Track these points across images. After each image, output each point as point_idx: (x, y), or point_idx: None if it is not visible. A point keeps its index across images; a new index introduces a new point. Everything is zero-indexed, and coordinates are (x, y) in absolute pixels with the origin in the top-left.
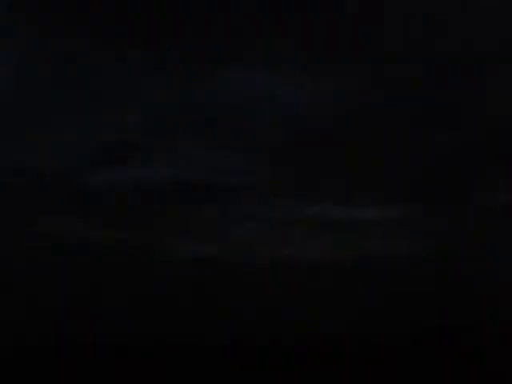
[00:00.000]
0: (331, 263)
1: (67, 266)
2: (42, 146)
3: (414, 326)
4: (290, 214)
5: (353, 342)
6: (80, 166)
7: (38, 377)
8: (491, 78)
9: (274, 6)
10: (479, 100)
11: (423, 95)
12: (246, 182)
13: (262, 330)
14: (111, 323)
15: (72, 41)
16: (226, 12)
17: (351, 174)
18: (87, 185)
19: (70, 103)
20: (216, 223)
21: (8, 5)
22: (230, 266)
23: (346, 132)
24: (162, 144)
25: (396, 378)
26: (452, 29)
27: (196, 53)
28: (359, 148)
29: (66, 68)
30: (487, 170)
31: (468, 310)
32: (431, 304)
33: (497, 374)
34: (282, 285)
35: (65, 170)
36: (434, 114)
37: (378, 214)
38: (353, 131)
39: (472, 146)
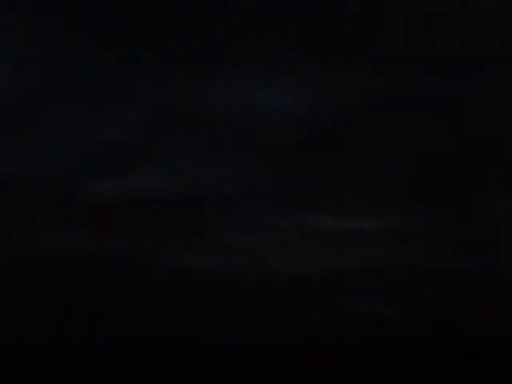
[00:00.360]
0: (332, 272)
1: (61, 274)
2: (40, 146)
3: (413, 331)
4: (289, 223)
5: (348, 347)
6: (75, 172)
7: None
8: (491, 77)
9: (274, 5)
10: (479, 100)
11: (423, 95)
12: (245, 191)
13: (262, 337)
14: (106, 331)
15: (72, 41)
16: (226, 12)
17: (351, 179)
18: (84, 192)
19: (69, 103)
20: (216, 232)
21: (8, 5)
22: (229, 276)
23: (346, 132)
24: (160, 151)
25: None
26: (452, 29)
27: (196, 53)
28: (359, 149)
29: (67, 68)
30: (487, 170)
31: (468, 316)
32: (428, 309)
33: (497, 376)
34: (281, 293)
35: (60, 175)
36: (434, 114)
37: (376, 222)
38: (353, 131)
39: (472, 146)
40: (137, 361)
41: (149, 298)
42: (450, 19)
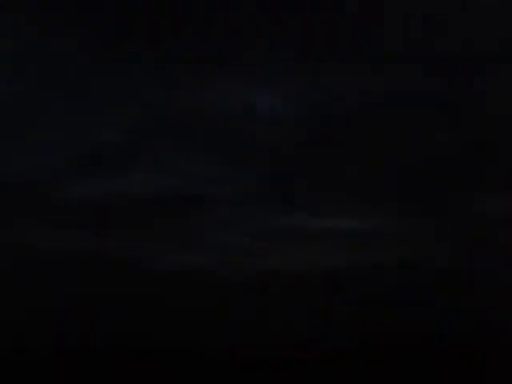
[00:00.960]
0: (319, 273)
1: (61, 274)
2: (40, 146)
3: (413, 331)
4: (277, 224)
5: (348, 347)
6: (75, 172)
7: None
8: (491, 77)
9: (274, 5)
10: (479, 100)
11: (423, 95)
12: (233, 191)
13: (251, 339)
14: (106, 331)
15: (72, 41)
16: (226, 12)
17: (351, 179)
18: (84, 192)
19: (69, 103)
20: (203, 233)
21: (8, 5)
22: (216, 276)
23: (346, 132)
24: (160, 151)
25: None
26: (452, 29)
27: (196, 53)
28: (359, 149)
29: (67, 68)
30: (487, 170)
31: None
32: (428, 309)
33: (497, 376)
34: (268, 294)
35: (60, 175)
36: (434, 114)
37: (376, 222)
38: (353, 131)
39: (472, 146)
40: (137, 361)
41: (149, 297)
42: (450, 19)
